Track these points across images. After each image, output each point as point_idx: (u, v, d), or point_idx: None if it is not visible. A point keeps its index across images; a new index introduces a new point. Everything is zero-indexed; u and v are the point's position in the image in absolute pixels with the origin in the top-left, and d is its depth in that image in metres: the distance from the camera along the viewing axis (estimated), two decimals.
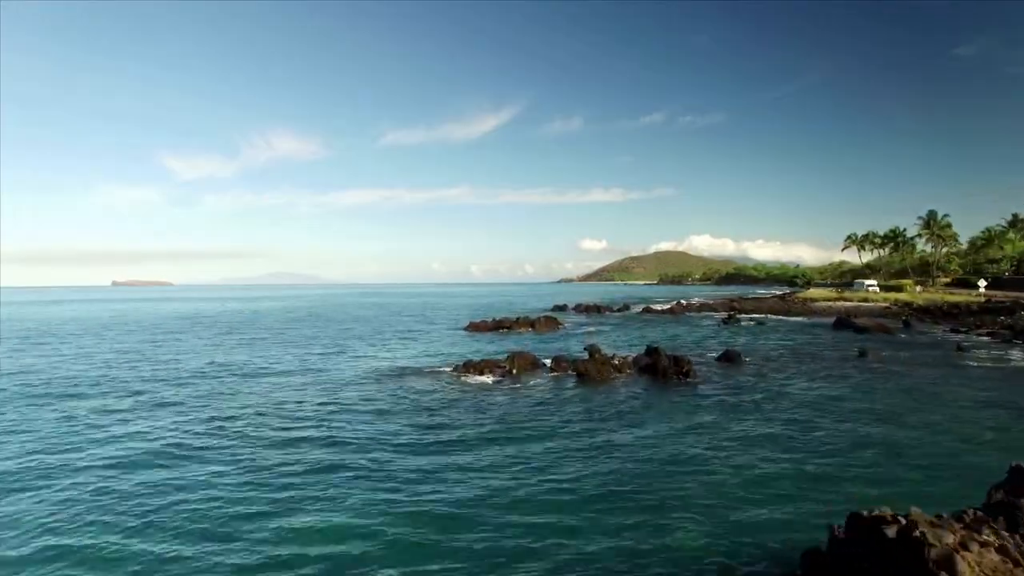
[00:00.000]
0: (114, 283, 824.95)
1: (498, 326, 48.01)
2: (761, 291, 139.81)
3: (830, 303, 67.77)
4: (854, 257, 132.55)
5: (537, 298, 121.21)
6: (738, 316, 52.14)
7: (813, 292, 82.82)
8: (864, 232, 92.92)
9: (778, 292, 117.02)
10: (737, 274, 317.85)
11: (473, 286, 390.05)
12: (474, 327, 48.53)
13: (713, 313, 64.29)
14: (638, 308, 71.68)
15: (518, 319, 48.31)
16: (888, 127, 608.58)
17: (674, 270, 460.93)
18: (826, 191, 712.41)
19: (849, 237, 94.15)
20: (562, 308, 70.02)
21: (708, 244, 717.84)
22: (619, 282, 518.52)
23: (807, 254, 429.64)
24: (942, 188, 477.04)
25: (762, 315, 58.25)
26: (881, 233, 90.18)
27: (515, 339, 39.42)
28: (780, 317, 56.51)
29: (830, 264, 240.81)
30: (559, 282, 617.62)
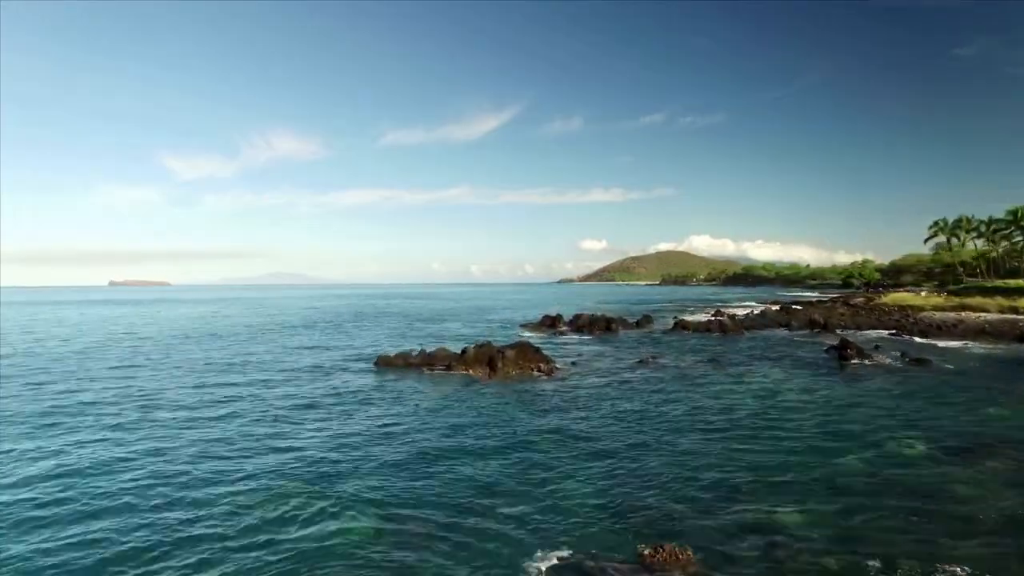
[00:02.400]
0: (111, 283, 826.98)
1: (427, 363, 26.27)
2: (810, 293, 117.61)
3: (954, 315, 45.62)
4: (870, 257, 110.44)
5: (529, 304, 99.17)
6: (848, 341, 29.73)
7: (910, 298, 60.15)
8: (955, 218, 70.44)
9: (824, 297, 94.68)
10: (745, 274, 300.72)
11: (472, 286, 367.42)
12: (385, 363, 26.83)
13: (781, 330, 42.20)
14: (666, 322, 49.61)
15: (466, 351, 26.30)
16: (888, 127, 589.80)
17: (676, 270, 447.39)
18: (826, 192, 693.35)
19: (936, 224, 71.98)
20: (553, 323, 47.90)
21: (708, 244, 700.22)
22: (620, 282, 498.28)
23: (808, 255, 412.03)
24: (942, 188, 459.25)
25: (878, 334, 36.14)
26: (984, 218, 67.84)
27: (451, 397, 17.46)
28: (922, 341, 34.23)
29: (852, 264, 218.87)
30: (559, 282, 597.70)
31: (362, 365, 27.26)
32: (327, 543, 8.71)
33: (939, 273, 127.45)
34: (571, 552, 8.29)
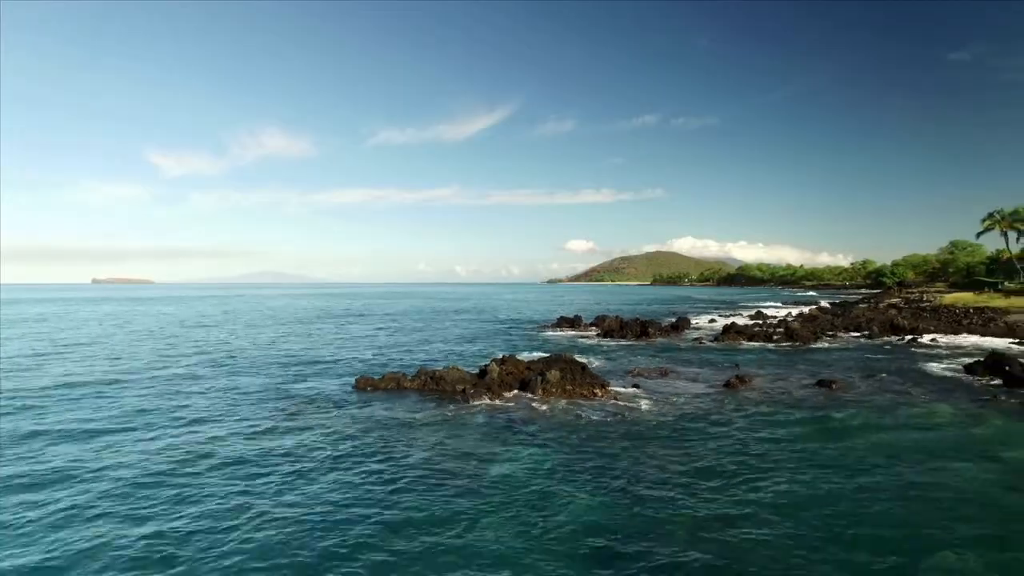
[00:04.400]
0: (94, 280, 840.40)
1: (431, 387, 18.16)
2: (812, 293, 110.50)
3: None
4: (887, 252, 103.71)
5: (530, 304, 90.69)
6: (1002, 355, 22.07)
7: (972, 298, 52.00)
8: (1012, 208, 63.14)
9: (855, 296, 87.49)
10: (740, 275, 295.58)
11: (461, 286, 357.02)
12: (367, 385, 18.64)
13: (859, 337, 34.38)
14: (703, 326, 41.76)
15: (488, 370, 18.24)
16: (875, 132, 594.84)
17: (666, 271, 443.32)
18: (810, 194, 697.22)
19: (991, 216, 64.65)
20: (573, 325, 39.63)
21: (691, 245, 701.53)
22: (610, 283, 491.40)
23: (791, 255, 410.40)
24: (928, 191, 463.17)
25: (990, 342, 28.53)
26: None
27: (489, 460, 9.10)
28: None
29: (852, 265, 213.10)
30: (548, 282, 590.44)
31: (334, 387, 18.91)
32: None
33: (952, 273, 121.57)
34: None
